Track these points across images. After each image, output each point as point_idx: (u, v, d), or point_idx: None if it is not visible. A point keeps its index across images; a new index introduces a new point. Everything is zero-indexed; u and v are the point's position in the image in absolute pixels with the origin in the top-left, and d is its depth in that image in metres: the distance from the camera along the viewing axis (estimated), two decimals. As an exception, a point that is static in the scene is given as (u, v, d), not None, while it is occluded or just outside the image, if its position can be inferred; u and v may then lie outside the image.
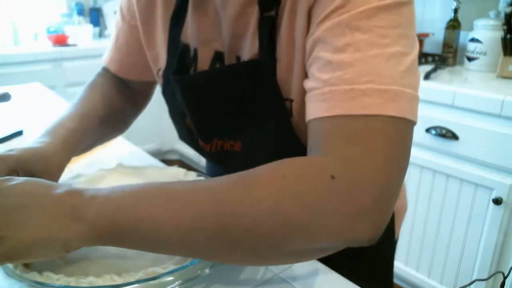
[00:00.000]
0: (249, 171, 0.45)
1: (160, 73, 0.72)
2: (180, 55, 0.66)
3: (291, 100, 0.58)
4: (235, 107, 0.63)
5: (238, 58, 0.63)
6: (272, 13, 0.55)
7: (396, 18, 0.45)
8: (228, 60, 0.64)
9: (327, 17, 0.47)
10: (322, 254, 0.47)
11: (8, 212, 0.43)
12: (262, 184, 0.43)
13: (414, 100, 0.45)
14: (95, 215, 0.44)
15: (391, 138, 0.43)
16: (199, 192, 0.44)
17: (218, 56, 0.65)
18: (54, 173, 0.64)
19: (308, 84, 0.49)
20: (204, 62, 0.66)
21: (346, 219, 0.42)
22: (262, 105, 0.60)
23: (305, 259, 0.50)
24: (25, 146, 0.62)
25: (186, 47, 0.68)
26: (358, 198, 0.42)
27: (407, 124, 0.45)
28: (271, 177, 0.43)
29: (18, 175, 0.59)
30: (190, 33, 0.67)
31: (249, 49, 0.60)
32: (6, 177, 0.47)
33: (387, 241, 0.81)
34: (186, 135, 0.74)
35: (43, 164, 0.62)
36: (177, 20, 0.66)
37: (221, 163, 0.70)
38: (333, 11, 0.46)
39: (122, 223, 0.43)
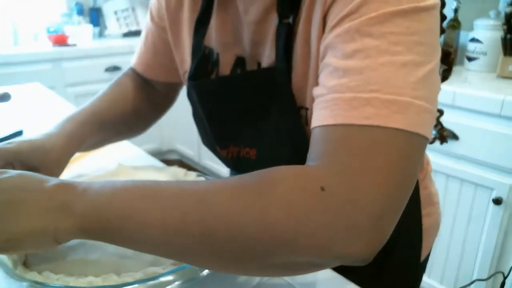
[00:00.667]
0: (241, 176, 0.44)
1: (186, 76, 0.72)
2: (200, 59, 0.66)
3: (306, 109, 0.57)
4: (250, 114, 0.63)
5: (259, 64, 0.63)
6: (290, 20, 0.55)
7: (413, 25, 0.42)
8: (250, 65, 0.64)
9: (339, 23, 0.45)
10: (312, 269, 0.46)
11: None
12: (250, 190, 0.42)
13: (427, 113, 0.42)
14: (84, 210, 0.44)
15: (395, 152, 0.41)
16: (188, 195, 0.44)
17: (240, 62, 0.65)
18: (54, 166, 0.65)
19: (315, 91, 0.48)
20: (225, 67, 0.67)
21: (334, 233, 0.39)
22: (277, 113, 0.60)
23: (294, 273, 0.48)
24: (24, 139, 0.63)
25: (211, 51, 0.68)
26: (351, 213, 0.39)
27: (416, 139, 0.42)
28: (261, 184, 0.42)
29: (14, 168, 0.60)
30: (213, 37, 0.67)
31: (268, 56, 0.60)
32: None
33: (412, 261, 0.79)
34: (206, 139, 0.74)
35: (41, 157, 0.63)
36: (201, 24, 0.66)
37: (238, 170, 0.70)
38: (345, 17, 0.44)
39: (109, 220, 0.43)
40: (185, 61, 0.73)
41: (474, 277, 1.60)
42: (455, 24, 1.99)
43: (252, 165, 0.66)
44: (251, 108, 0.62)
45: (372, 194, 0.39)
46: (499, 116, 1.43)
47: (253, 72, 0.63)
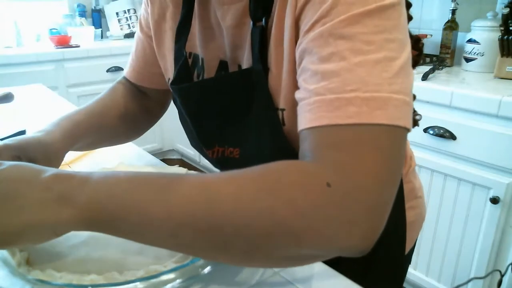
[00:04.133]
0: (245, 170, 0.44)
1: (170, 82, 0.74)
2: (181, 65, 0.68)
3: (283, 110, 0.58)
4: (232, 114, 0.64)
5: (239, 67, 0.65)
6: (262, 23, 0.57)
7: (381, 23, 0.44)
8: (232, 69, 0.66)
9: (312, 27, 0.46)
10: (312, 261, 0.47)
11: None
12: (257, 186, 0.42)
13: (405, 105, 0.44)
14: (86, 200, 0.43)
15: (381, 146, 0.42)
16: (193, 187, 0.43)
17: (223, 65, 0.67)
18: (52, 160, 0.66)
19: (297, 95, 0.49)
20: (210, 71, 0.69)
21: (339, 227, 0.40)
22: (257, 113, 0.61)
23: (295, 264, 0.50)
24: (24, 136, 0.65)
25: (196, 56, 0.70)
26: (352, 206, 0.40)
27: (398, 131, 0.43)
28: (265, 179, 0.43)
29: (20, 160, 0.61)
30: (198, 43, 0.69)
31: (247, 58, 0.62)
32: None
33: (397, 253, 0.81)
34: (192, 141, 0.76)
35: (42, 151, 0.64)
36: (182, 31, 0.68)
37: (224, 169, 0.71)
38: (317, 21, 0.46)
39: (113, 211, 0.43)
40: (168, 69, 0.76)
41: (472, 276, 1.60)
42: (453, 25, 1.99)
43: (237, 164, 0.67)
44: (232, 109, 0.64)
45: (367, 187, 0.41)
46: (496, 116, 1.43)
47: (231, 74, 0.65)
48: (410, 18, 0.64)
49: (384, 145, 0.42)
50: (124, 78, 0.89)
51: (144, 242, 0.45)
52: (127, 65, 0.88)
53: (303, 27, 0.49)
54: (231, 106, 0.64)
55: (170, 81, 0.72)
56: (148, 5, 0.76)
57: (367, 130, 0.42)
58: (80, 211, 0.43)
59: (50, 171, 0.46)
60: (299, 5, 0.50)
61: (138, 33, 0.83)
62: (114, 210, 0.43)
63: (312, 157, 0.44)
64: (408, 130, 0.44)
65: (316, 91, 0.45)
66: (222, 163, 0.71)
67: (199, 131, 0.70)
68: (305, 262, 0.48)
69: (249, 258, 0.45)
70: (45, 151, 0.65)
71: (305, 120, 0.46)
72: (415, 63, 0.70)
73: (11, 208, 0.43)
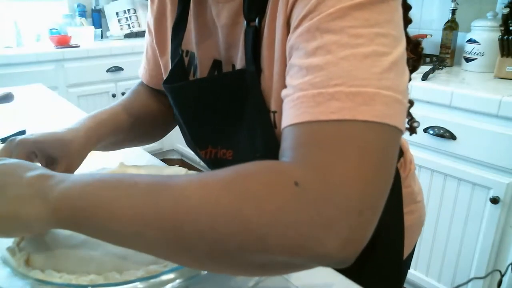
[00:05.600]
0: (217, 171, 0.42)
1: (163, 81, 0.74)
2: (176, 63, 0.68)
3: (274, 112, 0.57)
4: (225, 115, 0.64)
5: (233, 66, 0.64)
6: (256, 23, 0.56)
7: (372, 17, 0.41)
8: (225, 68, 0.66)
9: (300, 23, 0.44)
10: (290, 270, 0.45)
11: None
12: (222, 184, 0.40)
13: (396, 103, 0.40)
14: (57, 198, 0.45)
15: (366, 146, 0.38)
16: (160, 187, 0.42)
17: (217, 65, 0.67)
18: (74, 157, 0.67)
19: (283, 92, 0.46)
20: (203, 70, 0.68)
21: (309, 231, 0.36)
22: (249, 115, 0.61)
23: (272, 273, 0.47)
24: (45, 131, 0.66)
25: (192, 55, 0.70)
26: (325, 210, 0.36)
27: (387, 130, 0.40)
28: (233, 178, 0.40)
29: (36, 157, 0.63)
30: (193, 41, 0.69)
31: (240, 58, 0.61)
32: None
33: (394, 258, 0.80)
34: (187, 141, 0.76)
35: (61, 148, 0.65)
36: (178, 29, 0.68)
37: None
38: (305, 16, 0.44)
39: (81, 209, 0.43)
40: (168, 68, 0.75)
41: (472, 276, 1.60)
42: (453, 25, 1.99)
43: (229, 165, 0.67)
44: (226, 110, 0.63)
45: (345, 190, 0.37)
46: (496, 116, 1.44)
47: (224, 74, 0.64)
48: (409, 21, 0.64)
49: (370, 145, 0.39)
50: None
51: (111, 241, 0.45)
52: (141, 67, 0.88)
53: (292, 23, 0.47)
54: (224, 107, 0.63)
55: (164, 79, 0.72)
56: (150, 4, 0.77)
57: (350, 127, 0.39)
58: (50, 208, 0.45)
59: (38, 170, 0.49)
60: (290, 3, 0.49)
61: (146, 36, 0.83)
62: (83, 208, 0.43)
63: (289, 156, 0.41)
64: (399, 130, 0.41)
65: (300, 87, 0.43)
66: (216, 164, 0.71)
67: (192, 131, 0.70)
68: (280, 271, 0.44)
69: (216, 262, 0.41)
70: (64, 148, 0.65)
71: (287, 117, 0.43)
72: (414, 68, 0.70)
73: None
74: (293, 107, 0.43)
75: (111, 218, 0.42)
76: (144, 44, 0.85)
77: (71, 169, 0.67)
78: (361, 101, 0.39)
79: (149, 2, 0.77)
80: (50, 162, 0.65)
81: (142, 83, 0.88)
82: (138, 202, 0.42)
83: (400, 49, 0.43)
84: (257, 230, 0.37)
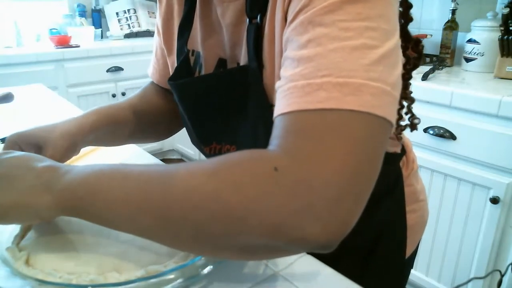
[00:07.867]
0: (203, 160, 0.45)
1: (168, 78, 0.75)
2: (181, 61, 0.69)
3: None
4: (229, 112, 0.65)
5: (238, 64, 0.65)
6: (257, 20, 0.57)
7: (364, 11, 0.42)
8: (230, 67, 0.67)
9: (295, 17, 0.46)
10: (273, 255, 0.46)
11: None
12: (206, 171, 0.42)
13: (384, 94, 0.41)
14: (61, 188, 0.48)
15: (350, 135, 0.39)
16: (151, 175, 0.45)
17: (222, 63, 0.68)
18: (57, 140, 0.68)
19: (276, 84, 0.47)
20: (209, 68, 0.69)
21: (286, 214, 0.38)
22: (252, 111, 0.62)
23: (254, 256, 0.49)
24: (44, 125, 0.69)
25: (198, 54, 0.71)
26: (304, 195, 0.38)
27: (374, 120, 0.40)
28: (218, 166, 0.42)
29: (20, 148, 0.66)
30: (199, 40, 0.70)
31: (244, 56, 0.62)
32: (5, 151, 0.55)
33: (397, 258, 0.80)
34: (191, 138, 0.77)
35: (42, 133, 0.68)
36: (184, 28, 0.69)
37: None
38: (300, 11, 0.45)
39: (81, 197, 0.47)
40: (174, 67, 0.76)
41: (472, 276, 1.60)
42: (453, 25, 1.99)
43: None
44: (229, 106, 0.64)
45: (327, 176, 0.38)
46: (496, 116, 1.44)
47: (228, 71, 0.66)
48: (410, 19, 0.64)
49: (355, 134, 0.39)
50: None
51: (109, 226, 0.47)
52: (150, 66, 0.89)
53: (288, 18, 0.48)
54: (227, 103, 0.65)
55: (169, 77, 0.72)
56: (158, 6, 0.78)
57: (336, 116, 0.40)
58: (55, 197, 0.48)
59: (46, 162, 0.52)
60: (287, 0, 0.50)
61: (155, 36, 0.84)
62: (84, 196, 0.47)
63: (275, 144, 0.43)
64: (388, 121, 0.41)
65: (291, 78, 0.44)
66: None
67: (197, 128, 0.71)
68: (263, 255, 0.46)
69: (202, 246, 0.44)
70: (45, 134, 0.68)
71: (278, 107, 0.45)
72: (415, 66, 0.70)
73: (5, 188, 0.49)
74: (283, 97, 0.44)
75: (106, 205, 0.46)
76: (153, 44, 0.87)
77: (57, 153, 0.67)
78: (348, 91, 0.40)
79: (157, 4, 0.79)
80: (39, 151, 0.67)
81: (152, 82, 0.90)
82: (130, 190, 0.45)
83: (392, 43, 0.43)
84: (238, 214, 0.39)
